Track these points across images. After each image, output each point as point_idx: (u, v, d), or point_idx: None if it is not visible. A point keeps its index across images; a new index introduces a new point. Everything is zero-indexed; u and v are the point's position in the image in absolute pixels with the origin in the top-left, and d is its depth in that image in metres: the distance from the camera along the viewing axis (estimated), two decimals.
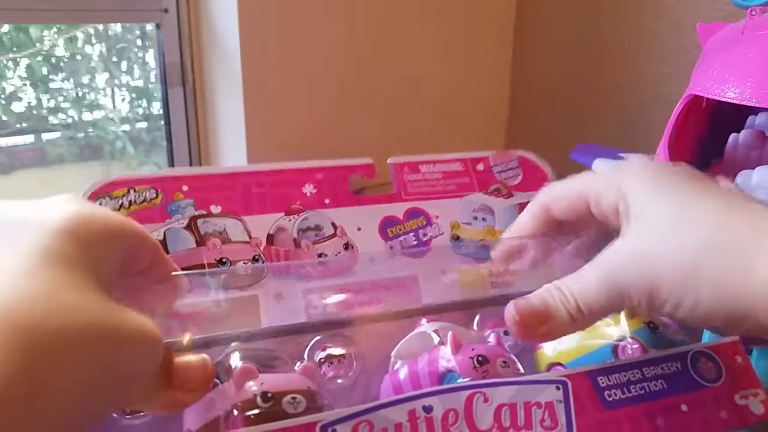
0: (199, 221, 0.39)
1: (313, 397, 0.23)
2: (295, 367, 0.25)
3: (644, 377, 0.24)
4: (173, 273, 0.24)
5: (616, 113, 0.95)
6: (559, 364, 0.30)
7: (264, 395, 0.22)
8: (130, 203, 0.38)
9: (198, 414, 0.24)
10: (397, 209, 0.44)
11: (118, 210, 0.38)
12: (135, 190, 0.39)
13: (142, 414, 0.25)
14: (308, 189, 0.42)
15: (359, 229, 0.42)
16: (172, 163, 0.93)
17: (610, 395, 0.24)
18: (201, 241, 0.39)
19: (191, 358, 0.21)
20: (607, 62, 0.95)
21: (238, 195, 0.40)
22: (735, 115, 0.53)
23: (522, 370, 0.26)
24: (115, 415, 0.25)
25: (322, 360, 0.29)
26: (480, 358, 0.25)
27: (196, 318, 0.33)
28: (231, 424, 0.22)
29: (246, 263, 0.39)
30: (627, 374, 0.24)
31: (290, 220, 0.41)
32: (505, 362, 0.25)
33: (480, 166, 0.46)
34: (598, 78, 0.97)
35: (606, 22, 0.94)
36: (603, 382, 0.24)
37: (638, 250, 0.21)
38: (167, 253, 0.37)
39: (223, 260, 0.39)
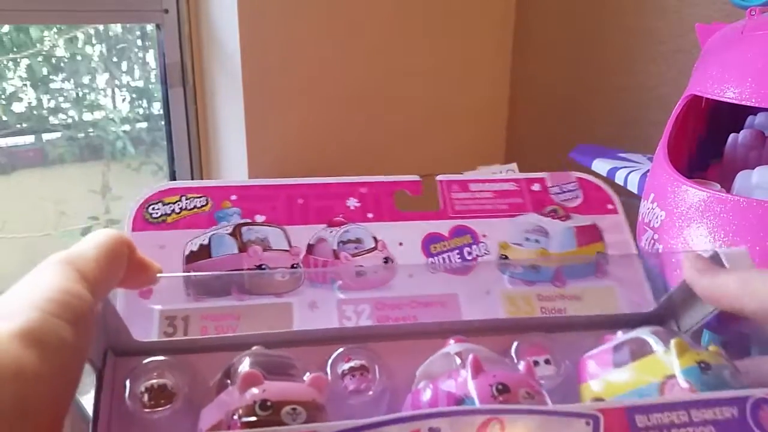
0: (244, 228, 0.40)
1: (317, 410, 0.22)
2: (304, 377, 0.24)
3: (691, 421, 0.21)
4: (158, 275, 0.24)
5: (616, 113, 0.95)
6: (601, 399, 0.27)
7: (263, 403, 0.21)
8: (181, 209, 0.40)
9: (209, 415, 0.24)
10: (443, 226, 0.42)
11: (169, 215, 0.40)
12: (186, 198, 0.41)
13: (160, 409, 0.26)
14: (352, 203, 0.42)
15: (401, 244, 0.41)
16: (172, 163, 0.93)
17: None
18: (243, 247, 0.40)
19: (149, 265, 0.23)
20: (607, 62, 0.95)
21: (282, 205, 0.41)
22: (734, 115, 0.54)
23: (549, 404, 0.23)
24: (134, 410, 0.26)
25: (345, 372, 0.28)
26: (500, 386, 0.23)
27: (230, 320, 0.34)
28: (230, 428, 0.22)
29: (284, 271, 0.40)
30: (671, 415, 0.21)
31: (331, 231, 0.41)
32: (529, 393, 0.23)
33: (536, 186, 0.44)
34: (598, 78, 0.97)
35: (606, 22, 0.94)
36: (641, 422, 0.21)
37: None
38: (210, 257, 0.40)
39: (263, 267, 0.40)
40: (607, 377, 0.28)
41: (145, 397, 0.26)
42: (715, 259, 0.26)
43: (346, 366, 0.29)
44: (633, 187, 0.59)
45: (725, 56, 0.45)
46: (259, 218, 0.41)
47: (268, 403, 0.21)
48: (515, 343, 0.31)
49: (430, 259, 0.41)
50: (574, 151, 0.71)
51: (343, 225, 0.42)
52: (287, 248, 0.40)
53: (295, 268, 0.40)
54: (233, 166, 0.89)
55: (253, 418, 0.21)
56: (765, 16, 0.46)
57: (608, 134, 0.96)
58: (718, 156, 0.53)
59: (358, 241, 0.41)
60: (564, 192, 0.44)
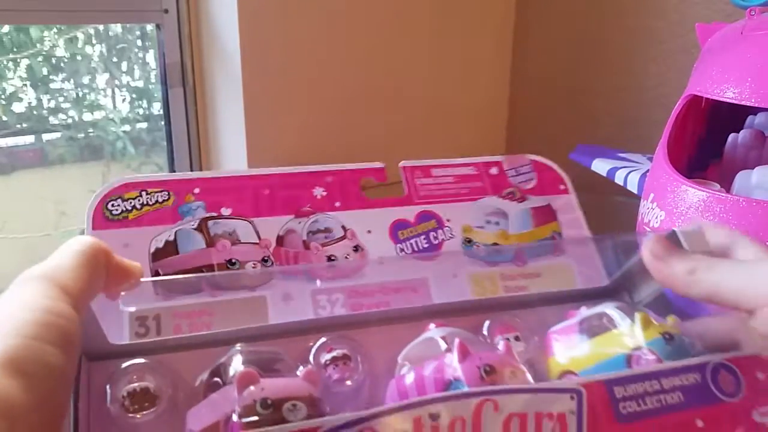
0: (210, 223, 0.40)
1: (315, 404, 0.22)
2: (298, 372, 0.24)
3: (662, 388, 0.23)
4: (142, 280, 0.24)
5: (616, 113, 0.95)
6: (572, 372, 0.29)
7: (263, 402, 0.21)
8: (143, 205, 0.39)
9: (201, 416, 0.23)
10: (408, 212, 0.43)
11: (130, 212, 0.39)
12: (147, 193, 0.39)
13: (145, 412, 0.25)
14: (318, 192, 0.42)
15: (369, 232, 0.42)
16: (172, 164, 0.93)
17: (625, 407, 0.22)
18: (211, 242, 0.39)
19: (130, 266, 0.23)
20: (607, 62, 0.95)
21: (248, 197, 0.41)
22: (734, 115, 0.54)
23: (532, 381, 0.25)
24: (116, 415, 0.25)
25: (327, 362, 0.29)
26: (487, 368, 0.24)
27: (204, 317, 0.33)
28: (230, 430, 0.22)
29: (255, 265, 0.39)
30: (644, 385, 0.23)
31: (300, 222, 0.41)
32: (513, 372, 0.24)
33: (494, 170, 0.46)
34: (598, 78, 0.97)
35: (606, 22, 0.94)
36: (619, 393, 0.23)
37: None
38: (177, 253, 0.38)
39: (233, 261, 0.39)
40: (575, 351, 0.29)
41: (128, 402, 0.25)
42: (673, 239, 0.27)
43: (329, 356, 0.29)
44: (633, 187, 0.59)
45: (725, 56, 0.45)
46: (225, 211, 0.40)
47: (269, 401, 0.21)
48: (487, 322, 0.32)
49: (399, 245, 0.42)
50: (574, 152, 0.71)
51: (312, 215, 0.42)
52: (256, 241, 0.40)
53: (266, 261, 0.40)
54: (233, 166, 0.89)
55: (255, 418, 0.21)
56: (765, 16, 0.46)
57: (608, 134, 0.96)
58: (717, 156, 0.53)
59: (327, 230, 0.41)
60: (520, 174, 0.46)
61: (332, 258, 0.41)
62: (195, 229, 0.39)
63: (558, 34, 1.03)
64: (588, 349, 0.29)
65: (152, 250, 0.38)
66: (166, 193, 0.40)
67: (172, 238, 0.39)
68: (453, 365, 0.25)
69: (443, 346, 0.27)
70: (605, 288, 0.35)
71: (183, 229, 0.39)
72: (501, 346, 0.26)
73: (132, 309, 0.33)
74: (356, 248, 0.41)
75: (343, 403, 0.23)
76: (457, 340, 0.25)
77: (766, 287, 0.24)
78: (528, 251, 0.43)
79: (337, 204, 0.42)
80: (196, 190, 0.40)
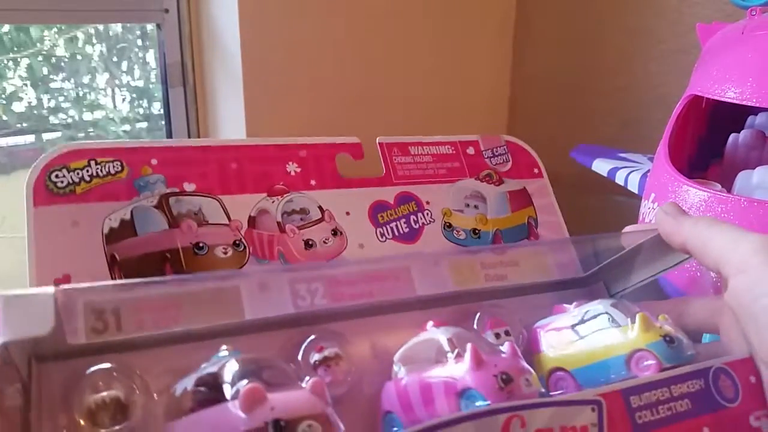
0: (171, 200, 0.35)
1: (328, 422, 0.20)
2: (303, 384, 0.22)
3: (672, 396, 0.23)
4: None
5: (616, 113, 0.95)
6: (562, 369, 0.29)
7: (276, 424, 0.19)
8: (92, 177, 0.34)
9: None
10: (388, 193, 0.41)
11: (78, 184, 0.33)
12: (97, 162, 0.34)
13: (117, 427, 0.22)
14: (292, 168, 0.39)
15: (348, 214, 0.39)
16: None
17: (640, 417, 0.22)
18: (174, 222, 0.34)
19: None
20: (607, 62, 0.95)
21: (213, 171, 0.36)
22: (735, 115, 0.53)
23: (542, 388, 0.24)
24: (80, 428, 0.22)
25: (317, 363, 0.27)
26: (504, 377, 0.23)
27: (170, 310, 0.28)
28: None
29: (226, 249, 0.35)
30: (656, 393, 0.23)
31: (273, 201, 0.38)
32: (527, 380, 0.23)
33: (470, 150, 0.45)
34: (598, 78, 0.97)
35: (606, 21, 0.94)
36: (635, 402, 0.23)
37: None
38: (135, 234, 0.33)
39: (200, 245, 0.35)
40: (568, 348, 0.29)
41: (98, 416, 0.22)
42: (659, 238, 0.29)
43: (319, 356, 0.27)
44: (633, 187, 0.59)
45: (726, 56, 0.45)
46: (189, 186, 0.36)
47: (282, 423, 0.19)
48: (477, 314, 0.32)
49: (379, 229, 0.40)
50: (575, 151, 0.71)
51: (286, 194, 0.38)
52: (226, 222, 0.36)
53: (238, 245, 0.35)
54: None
55: None
56: (765, 16, 0.46)
57: (608, 134, 0.95)
58: (718, 156, 0.53)
59: (303, 211, 0.38)
60: (496, 156, 0.46)
61: (310, 242, 0.37)
62: (155, 206, 0.34)
63: (558, 34, 1.02)
64: (582, 347, 0.28)
65: (106, 231, 0.33)
66: (119, 163, 0.34)
67: (128, 217, 0.34)
68: (465, 373, 0.23)
69: (446, 348, 0.26)
70: (583, 278, 0.35)
71: (140, 206, 0.34)
72: (506, 348, 0.25)
73: (85, 300, 0.26)
74: (335, 232, 0.38)
75: (334, 403, 0.22)
76: (470, 347, 0.24)
77: (741, 256, 0.25)
78: (505, 238, 0.43)
79: (313, 182, 0.39)
80: (154, 161, 0.35)
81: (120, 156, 0.35)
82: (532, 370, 0.24)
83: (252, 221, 0.37)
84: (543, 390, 0.24)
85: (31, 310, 0.20)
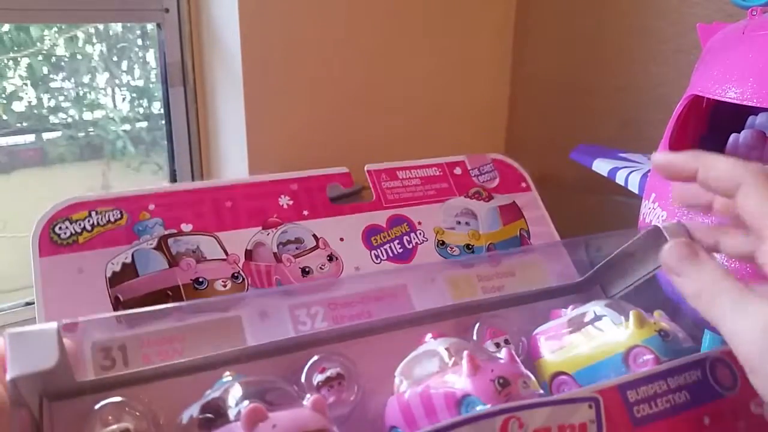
0: (170, 240, 0.37)
1: None
2: (304, 402, 0.22)
3: (669, 388, 0.24)
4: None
5: (616, 113, 0.95)
6: (564, 373, 0.29)
7: None
8: (93, 226, 0.36)
9: None
10: (379, 217, 0.43)
11: (80, 234, 0.35)
12: (97, 212, 0.36)
13: None
14: (284, 201, 0.40)
15: (342, 240, 0.41)
16: (172, 163, 0.93)
17: (638, 411, 0.23)
18: (173, 261, 0.36)
19: None
20: (607, 62, 0.95)
21: (209, 211, 0.38)
22: (735, 116, 0.53)
23: (540, 390, 0.24)
24: None
25: (320, 383, 0.28)
26: (501, 380, 0.23)
27: (174, 344, 0.30)
28: None
29: (225, 282, 0.36)
30: (654, 386, 0.23)
31: (268, 233, 0.39)
32: (525, 382, 0.24)
33: (457, 170, 0.47)
34: (598, 78, 0.97)
35: (606, 21, 0.94)
36: (632, 397, 0.23)
37: None
38: (137, 276, 0.35)
39: (200, 280, 0.36)
40: (568, 351, 0.29)
41: None
42: (657, 233, 0.28)
43: (322, 377, 0.28)
44: (634, 187, 0.59)
45: (726, 56, 0.45)
46: (186, 227, 0.37)
47: None
48: (476, 325, 0.32)
49: (373, 252, 0.41)
50: (575, 151, 0.71)
51: (280, 225, 0.40)
52: (223, 256, 0.37)
53: (236, 277, 0.37)
54: (234, 165, 0.89)
55: None
56: (766, 16, 0.46)
57: (608, 134, 0.95)
58: None
59: (298, 240, 0.40)
60: (483, 174, 0.47)
61: (306, 269, 0.39)
62: (154, 248, 0.36)
63: (558, 34, 1.02)
64: (581, 349, 0.29)
65: (109, 274, 0.35)
66: (119, 211, 0.36)
67: (129, 260, 0.35)
68: (463, 380, 0.23)
69: (445, 358, 0.26)
70: (579, 283, 0.36)
71: (141, 249, 0.36)
72: (503, 354, 0.25)
73: (93, 340, 0.29)
74: (330, 257, 0.40)
75: (339, 423, 0.22)
76: (466, 354, 0.24)
77: (753, 349, 0.22)
78: (499, 249, 0.44)
79: (305, 212, 0.40)
80: (151, 207, 0.37)
81: (119, 204, 0.37)
82: (530, 374, 0.24)
83: (249, 254, 0.38)
84: (543, 393, 0.24)
85: (36, 345, 0.21)
